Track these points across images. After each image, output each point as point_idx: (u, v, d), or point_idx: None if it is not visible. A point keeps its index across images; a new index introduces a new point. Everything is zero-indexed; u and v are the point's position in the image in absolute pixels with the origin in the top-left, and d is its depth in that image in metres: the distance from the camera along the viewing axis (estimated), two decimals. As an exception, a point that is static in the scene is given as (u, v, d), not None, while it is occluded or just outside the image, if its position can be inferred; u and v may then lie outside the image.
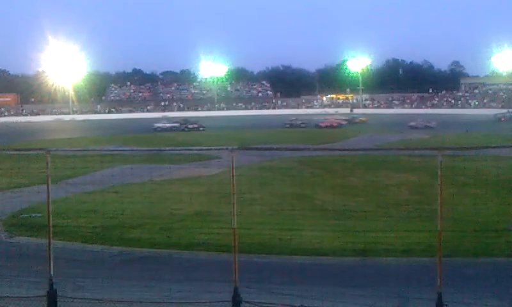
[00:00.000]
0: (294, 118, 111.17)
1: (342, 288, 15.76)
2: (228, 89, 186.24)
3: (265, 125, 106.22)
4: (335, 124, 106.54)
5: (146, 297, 13.46)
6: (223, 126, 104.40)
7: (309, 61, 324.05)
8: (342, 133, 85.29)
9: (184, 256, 20.96)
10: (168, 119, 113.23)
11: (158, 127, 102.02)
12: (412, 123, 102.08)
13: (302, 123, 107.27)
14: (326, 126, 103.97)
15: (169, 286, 15.89)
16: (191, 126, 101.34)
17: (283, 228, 24.04)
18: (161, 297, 13.55)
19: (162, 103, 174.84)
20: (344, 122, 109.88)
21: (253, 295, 10.98)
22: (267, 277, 16.83)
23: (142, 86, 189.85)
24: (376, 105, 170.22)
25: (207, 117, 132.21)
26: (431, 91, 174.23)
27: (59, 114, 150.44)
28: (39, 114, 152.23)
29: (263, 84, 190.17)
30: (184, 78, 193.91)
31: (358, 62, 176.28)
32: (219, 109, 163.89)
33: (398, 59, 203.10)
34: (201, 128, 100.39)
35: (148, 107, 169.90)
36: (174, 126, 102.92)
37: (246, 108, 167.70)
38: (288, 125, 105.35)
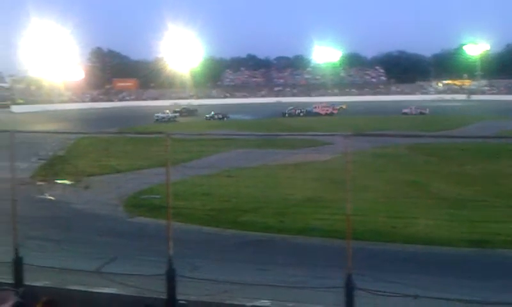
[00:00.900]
0: (291, 107, 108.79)
1: (457, 279, 15.45)
2: (342, 74, 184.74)
3: (379, 111, 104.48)
4: (335, 111, 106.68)
5: (260, 280, 13.68)
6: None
7: (425, 46, 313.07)
8: (458, 120, 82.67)
9: (297, 241, 21.12)
10: (170, 109, 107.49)
11: (161, 117, 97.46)
12: (406, 110, 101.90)
13: (301, 112, 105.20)
14: (326, 114, 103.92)
15: (283, 270, 16.11)
16: (216, 116, 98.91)
17: (396, 215, 23.77)
18: (275, 280, 13.73)
19: (276, 89, 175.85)
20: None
21: (366, 282, 10.90)
22: (380, 265, 16.71)
23: (256, 71, 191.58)
24: (494, 91, 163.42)
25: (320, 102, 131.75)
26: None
27: (177, 98, 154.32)
28: (158, 99, 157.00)
29: (377, 69, 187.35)
30: (297, 63, 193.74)
31: (477, 47, 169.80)
32: (332, 95, 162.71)
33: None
34: (225, 119, 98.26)
35: (262, 93, 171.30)
36: (175, 116, 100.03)
37: (359, 94, 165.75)
38: (287, 114, 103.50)
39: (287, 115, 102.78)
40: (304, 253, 19.22)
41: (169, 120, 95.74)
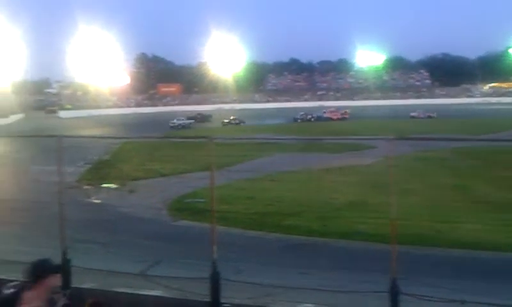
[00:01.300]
0: (302, 113, 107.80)
1: (503, 284, 15.19)
2: (385, 78, 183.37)
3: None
4: (346, 116, 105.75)
5: (303, 284, 13.66)
6: (372, 115, 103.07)
7: (470, 48, 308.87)
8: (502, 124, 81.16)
9: (340, 245, 21.06)
10: (185, 115, 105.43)
11: (177, 124, 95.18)
12: (413, 114, 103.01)
13: (312, 117, 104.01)
14: (338, 118, 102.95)
15: (326, 274, 16.07)
16: (233, 121, 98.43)
17: (441, 219, 23.53)
18: (318, 284, 13.68)
19: (319, 93, 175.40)
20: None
21: (411, 287, 10.79)
22: (425, 270, 16.53)
23: (299, 76, 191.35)
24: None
25: (362, 106, 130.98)
26: None
27: (220, 103, 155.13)
28: (201, 104, 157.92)
29: (421, 72, 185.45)
30: (340, 67, 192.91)
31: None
32: (375, 99, 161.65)
33: None
34: (241, 124, 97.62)
35: (305, 97, 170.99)
36: (190, 123, 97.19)
37: (403, 97, 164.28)
38: (299, 120, 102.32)
39: (299, 121, 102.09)
40: (347, 257, 19.16)
41: (185, 127, 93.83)
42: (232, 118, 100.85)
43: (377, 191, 25.39)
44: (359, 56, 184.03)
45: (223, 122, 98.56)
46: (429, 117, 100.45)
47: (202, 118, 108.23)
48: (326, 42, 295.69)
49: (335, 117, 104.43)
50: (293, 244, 21.59)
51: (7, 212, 25.15)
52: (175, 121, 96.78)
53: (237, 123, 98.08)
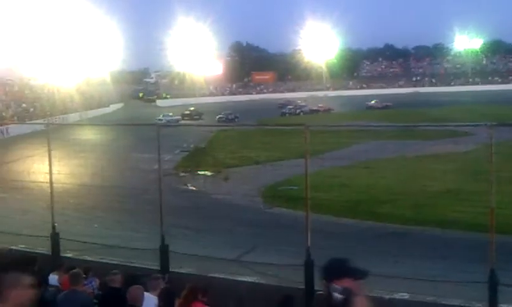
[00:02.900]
0: (291, 106, 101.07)
1: None
2: (484, 62, 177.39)
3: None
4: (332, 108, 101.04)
5: (398, 273, 13.54)
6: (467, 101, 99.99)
7: None
8: None
9: (435, 234, 20.67)
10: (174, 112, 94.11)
11: (166, 120, 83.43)
12: (371, 103, 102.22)
13: (300, 111, 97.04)
14: (325, 110, 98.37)
15: (421, 263, 15.85)
16: (230, 117, 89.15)
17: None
18: (413, 273, 13.53)
19: (414, 79, 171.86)
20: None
21: (510, 278, 10.55)
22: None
23: (394, 62, 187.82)
24: None
25: (457, 92, 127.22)
26: None
27: (313, 90, 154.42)
28: (295, 91, 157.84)
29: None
30: (436, 52, 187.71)
31: None
32: (473, 84, 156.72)
33: None
34: (236, 119, 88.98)
35: (400, 83, 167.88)
36: (178, 120, 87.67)
37: (503, 82, 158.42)
38: (287, 114, 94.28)
39: (287, 115, 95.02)
40: (443, 246, 18.77)
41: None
42: (228, 112, 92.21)
43: (474, 179, 24.71)
44: (456, 40, 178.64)
45: (219, 117, 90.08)
46: (387, 106, 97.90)
47: (197, 114, 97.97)
48: (421, 27, 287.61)
49: (321, 109, 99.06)
50: (387, 232, 21.39)
51: (108, 198, 26.13)
52: (161, 117, 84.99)
53: (231, 119, 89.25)
